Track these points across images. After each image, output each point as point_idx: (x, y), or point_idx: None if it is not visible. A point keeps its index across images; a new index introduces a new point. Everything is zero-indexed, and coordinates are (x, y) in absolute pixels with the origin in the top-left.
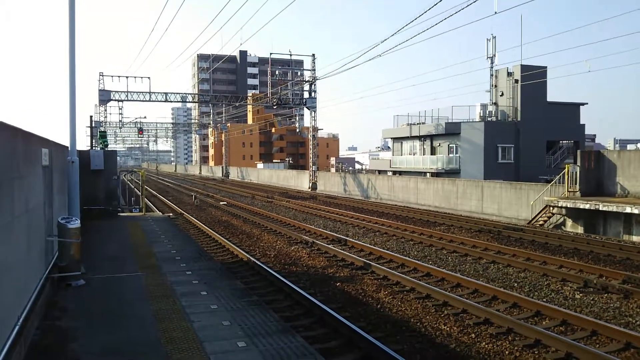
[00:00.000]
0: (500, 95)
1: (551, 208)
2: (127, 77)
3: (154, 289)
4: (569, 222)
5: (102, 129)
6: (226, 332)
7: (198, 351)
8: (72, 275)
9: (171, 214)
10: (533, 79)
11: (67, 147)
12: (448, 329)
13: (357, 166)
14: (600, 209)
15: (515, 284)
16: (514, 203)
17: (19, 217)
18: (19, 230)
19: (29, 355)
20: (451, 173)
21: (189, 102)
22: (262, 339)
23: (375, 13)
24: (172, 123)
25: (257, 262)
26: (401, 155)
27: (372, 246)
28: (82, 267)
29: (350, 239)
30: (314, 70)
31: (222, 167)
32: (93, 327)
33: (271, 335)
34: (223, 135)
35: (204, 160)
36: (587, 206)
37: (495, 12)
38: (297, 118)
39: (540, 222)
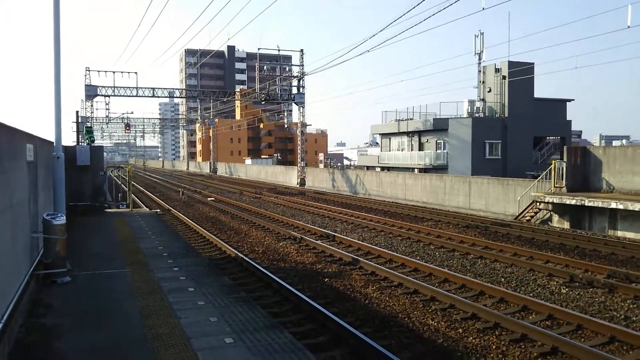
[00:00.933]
0: (488, 92)
1: (538, 204)
2: (113, 72)
3: (140, 285)
4: (556, 218)
5: (88, 124)
6: (213, 328)
7: (185, 347)
8: (57, 272)
9: (158, 210)
10: (520, 75)
11: (53, 142)
12: (436, 324)
13: (346, 162)
14: (586, 204)
15: (503, 279)
16: (501, 199)
17: (2, 212)
18: (3, 226)
19: (13, 353)
20: (439, 169)
21: (177, 97)
22: (249, 335)
23: (364, 8)
24: (160, 119)
25: (245, 258)
26: (389, 151)
27: (360, 242)
28: (67, 264)
29: (339, 235)
30: (302, 65)
31: (210, 162)
32: (78, 324)
33: (259, 331)
34: (211, 130)
35: (192, 156)
36: (573, 202)
37: (483, 8)
38: (286, 114)
39: (527, 218)
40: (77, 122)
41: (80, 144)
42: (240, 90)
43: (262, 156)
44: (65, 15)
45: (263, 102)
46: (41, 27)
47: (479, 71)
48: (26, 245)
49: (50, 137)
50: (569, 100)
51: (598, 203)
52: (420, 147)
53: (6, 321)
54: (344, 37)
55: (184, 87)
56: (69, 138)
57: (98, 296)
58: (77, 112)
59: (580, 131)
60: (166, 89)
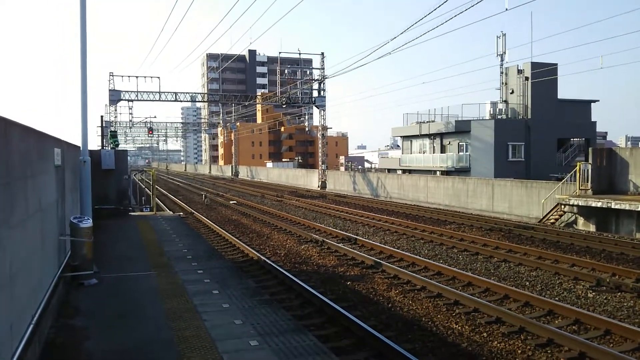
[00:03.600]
0: (511, 93)
1: (562, 206)
2: (137, 77)
3: (165, 288)
4: (581, 221)
5: (112, 128)
6: (238, 330)
7: (211, 350)
8: (84, 275)
9: (182, 213)
10: (543, 76)
11: (79, 146)
12: (460, 327)
13: (367, 165)
14: (613, 207)
15: (527, 283)
16: (525, 201)
17: (32, 216)
18: (33, 229)
19: (44, 354)
20: (461, 171)
21: (199, 101)
22: (274, 338)
23: (386, 10)
24: (182, 123)
25: (267, 261)
26: (411, 153)
27: (382, 245)
28: (94, 266)
29: (361, 238)
30: (323, 68)
31: (232, 166)
32: (106, 326)
33: (283, 334)
34: (232, 134)
35: (214, 159)
36: (599, 204)
37: (507, 9)
38: (306, 117)
39: (552, 221)
40: (102, 127)
41: (104, 148)
42: (261, 94)
43: (283, 159)
44: (90, 20)
45: (284, 106)
46: (66, 35)
47: (501, 72)
48: (54, 248)
49: (76, 141)
50: (594, 101)
51: (625, 205)
52: (442, 150)
53: (37, 322)
54: (365, 40)
55: (206, 92)
56: (94, 142)
57: (124, 298)
58: (102, 116)
59: (606, 132)
60: (188, 93)
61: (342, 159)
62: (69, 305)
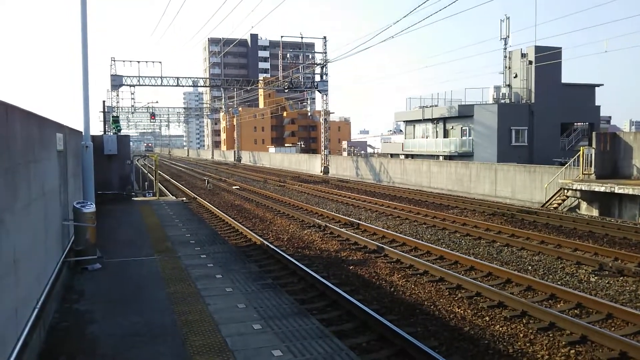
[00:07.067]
0: (514, 77)
1: (565, 191)
2: (138, 61)
3: (169, 272)
4: (584, 205)
5: (114, 114)
6: (242, 314)
7: (214, 333)
8: (88, 259)
9: (184, 198)
10: (547, 60)
11: (81, 132)
12: (462, 311)
13: (369, 150)
14: (616, 191)
15: (530, 267)
16: (528, 186)
17: (35, 201)
18: (36, 214)
19: (49, 338)
20: (464, 156)
21: (201, 86)
22: (277, 322)
23: None
24: (184, 108)
25: (270, 245)
26: (414, 138)
27: (385, 229)
28: (97, 251)
29: (363, 223)
30: (325, 52)
31: (234, 151)
32: (110, 310)
33: (286, 317)
34: (235, 119)
35: (216, 144)
36: (602, 189)
37: None
38: (309, 101)
39: (555, 205)
40: (104, 112)
41: (107, 133)
42: (263, 78)
43: (285, 144)
44: (91, 4)
45: (286, 90)
46: (68, 18)
47: (505, 56)
48: (58, 233)
49: (79, 126)
50: (598, 85)
51: (629, 190)
52: (445, 134)
53: (41, 306)
54: (368, 23)
55: (208, 76)
56: (96, 127)
57: (128, 283)
58: (104, 102)
59: (610, 117)
60: (190, 78)
61: (344, 144)
62: (73, 289)
